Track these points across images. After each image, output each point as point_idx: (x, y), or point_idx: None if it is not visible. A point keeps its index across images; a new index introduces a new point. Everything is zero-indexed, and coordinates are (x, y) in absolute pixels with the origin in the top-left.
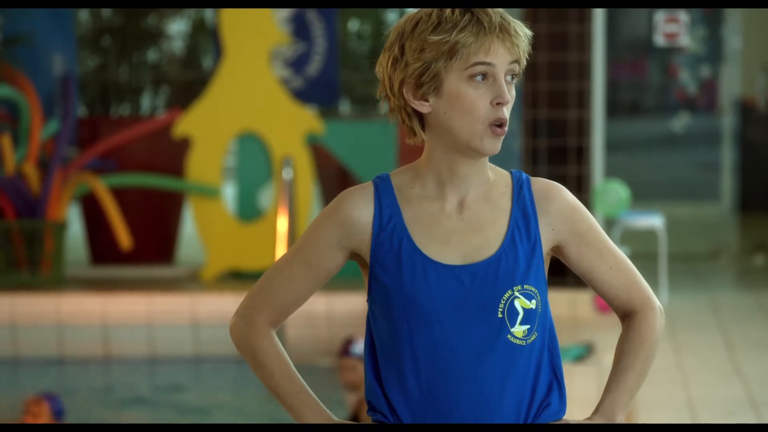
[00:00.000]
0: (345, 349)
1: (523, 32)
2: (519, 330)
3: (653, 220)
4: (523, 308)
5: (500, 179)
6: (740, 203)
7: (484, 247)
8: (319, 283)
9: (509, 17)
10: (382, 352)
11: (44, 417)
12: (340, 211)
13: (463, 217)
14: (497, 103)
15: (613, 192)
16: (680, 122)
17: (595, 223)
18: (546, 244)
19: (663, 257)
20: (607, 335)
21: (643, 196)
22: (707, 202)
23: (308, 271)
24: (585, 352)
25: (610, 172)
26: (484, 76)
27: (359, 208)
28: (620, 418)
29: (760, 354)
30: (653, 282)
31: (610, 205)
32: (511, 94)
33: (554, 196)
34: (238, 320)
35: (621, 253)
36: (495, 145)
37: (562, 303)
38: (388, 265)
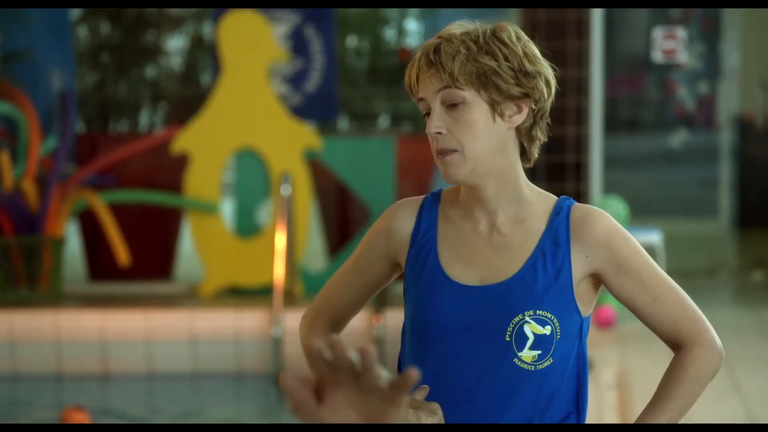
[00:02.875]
0: None
1: (453, 50)
2: (528, 355)
3: (651, 237)
4: (534, 333)
5: (541, 202)
6: (738, 220)
7: (503, 270)
8: (371, 291)
9: (452, 38)
10: (403, 365)
11: None
12: (386, 221)
13: (492, 239)
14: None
15: (612, 208)
16: (678, 139)
17: (639, 252)
18: (579, 272)
19: None
20: (606, 351)
21: (641, 212)
22: (706, 218)
23: (360, 279)
24: None
25: (609, 188)
26: (427, 109)
27: (402, 220)
28: None
29: (759, 371)
30: None
31: None
32: (462, 120)
33: (591, 223)
34: (303, 321)
35: (671, 285)
36: (445, 172)
37: None
38: (412, 280)
